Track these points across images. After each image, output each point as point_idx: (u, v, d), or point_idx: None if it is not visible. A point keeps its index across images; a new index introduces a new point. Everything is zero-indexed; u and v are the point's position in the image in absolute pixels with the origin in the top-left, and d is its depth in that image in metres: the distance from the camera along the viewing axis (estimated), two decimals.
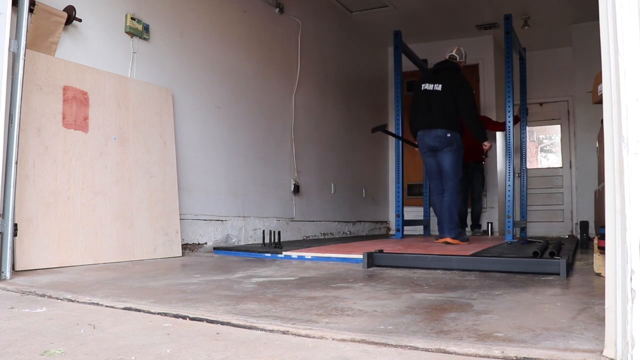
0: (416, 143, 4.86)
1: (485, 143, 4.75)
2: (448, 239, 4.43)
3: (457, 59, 4.76)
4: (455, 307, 1.73)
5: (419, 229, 6.77)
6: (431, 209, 5.60)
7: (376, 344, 1.26)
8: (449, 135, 4.45)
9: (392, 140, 7.55)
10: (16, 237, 2.55)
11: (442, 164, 4.57)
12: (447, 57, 4.77)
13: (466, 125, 4.57)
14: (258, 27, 4.97)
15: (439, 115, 4.47)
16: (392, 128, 7.44)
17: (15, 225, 2.48)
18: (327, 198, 6.12)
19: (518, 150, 6.68)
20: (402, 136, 5.52)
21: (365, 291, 2.09)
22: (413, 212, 6.94)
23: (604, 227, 1.19)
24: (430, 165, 4.67)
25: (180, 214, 3.75)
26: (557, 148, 7.94)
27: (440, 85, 4.53)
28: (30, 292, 2.01)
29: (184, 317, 1.56)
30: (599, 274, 2.52)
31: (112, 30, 3.46)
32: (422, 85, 4.64)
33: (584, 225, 4.86)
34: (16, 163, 2.46)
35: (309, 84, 5.78)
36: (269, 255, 3.66)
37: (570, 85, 7.21)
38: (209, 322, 1.50)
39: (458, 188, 4.59)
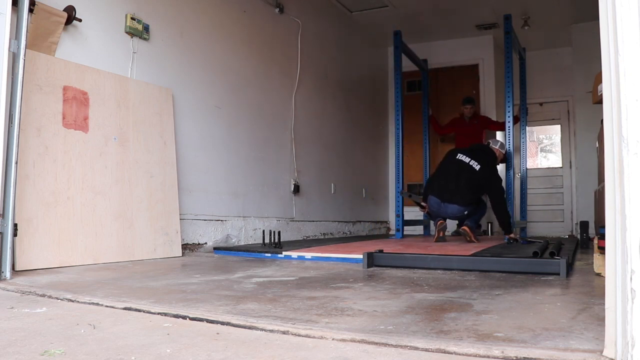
0: (423, 204, 4.95)
1: (511, 235, 4.64)
2: (465, 227, 4.59)
3: (493, 148, 4.84)
4: (455, 307, 1.73)
5: (419, 229, 6.77)
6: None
7: (376, 344, 1.26)
8: (466, 212, 4.54)
9: (392, 141, 7.56)
10: (16, 237, 2.55)
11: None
12: (486, 144, 4.89)
13: (495, 214, 4.59)
14: (258, 27, 4.97)
15: (465, 191, 4.49)
16: (392, 129, 7.46)
17: (15, 225, 2.48)
18: (327, 198, 6.12)
19: (518, 150, 6.68)
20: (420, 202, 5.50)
21: (365, 291, 2.09)
22: (413, 212, 6.94)
23: (604, 227, 1.19)
24: (438, 216, 4.78)
25: (180, 214, 3.75)
26: (557, 148, 7.94)
27: (478, 165, 4.53)
28: (30, 292, 2.01)
29: (184, 317, 1.56)
30: (599, 274, 2.52)
31: (112, 30, 3.46)
32: (458, 154, 4.67)
33: (584, 225, 4.86)
34: (16, 163, 2.46)
35: (309, 84, 5.78)
36: (269, 255, 3.65)
37: (570, 85, 7.21)
38: (209, 322, 1.50)
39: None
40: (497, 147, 4.87)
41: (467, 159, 4.58)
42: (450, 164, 4.65)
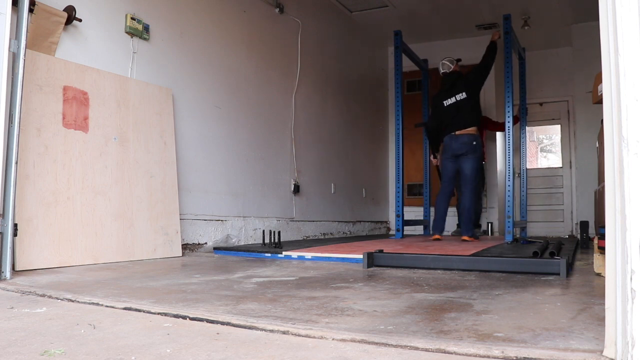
0: (436, 154, 5.37)
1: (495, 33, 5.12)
2: (465, 237, 4.88)
3: (454, 68, 5.16)
4: (455, 307, 1.73)
5: (419, 229, 6.77)
6: (432, 208, 5.71)
7: (376, 344, 1.26)
8: (474, 143, 4.87)
9: (392, 140, 7.56)
10: (16, 237, 2.55)
11: (463, 168, 4.95)
12: (447, 71, 5.15)
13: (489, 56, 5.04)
14: (258, 27, 4.97)
15: (468, 117, 4.89)
16: (391, 128, 7.46)
17: (15, 225, 2.48)
18: (327, 198, 6.12)
19: (518, 150, 6.68)
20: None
21: (365, 291, 2.09)
22: (413, 212, 6.95)
23: (604, 227, 1.19)
24: (448, 170, 5.05)
25: (180, 214, 3.75)
26: (557, 148, 7.94)
27: (463, 93, 4.97)
28: (30, 292, 2.01)
29: (184, 317, 1.56)
30: (599, 274, 2.53)
31: (112, 30, 3.46)
32: (444, 102, 5.04)
33: (584, 225, 4.86)
34: (16, 163, 2.46)
35: (309, 84, 5.78)
36: (269, 255, 3.65)
37: (570, 85, 7.20)
38: (209, 322, 1.50)
39: (476, 190, 5.06)
40: (455, 66, 5.14)
41: (452, 100, 4.99)
42: (445, 111, 5.01)
